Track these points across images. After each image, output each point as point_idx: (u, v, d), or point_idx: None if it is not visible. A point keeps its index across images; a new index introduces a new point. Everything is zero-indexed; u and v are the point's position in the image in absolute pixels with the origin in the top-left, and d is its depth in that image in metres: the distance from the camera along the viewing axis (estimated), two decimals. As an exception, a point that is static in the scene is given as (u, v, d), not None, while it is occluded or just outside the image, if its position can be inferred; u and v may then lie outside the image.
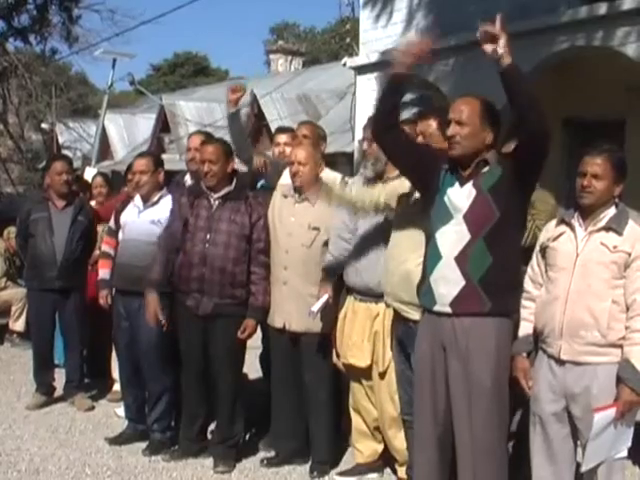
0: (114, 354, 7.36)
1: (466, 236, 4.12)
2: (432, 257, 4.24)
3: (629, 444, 4.07)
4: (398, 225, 4.88)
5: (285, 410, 5.71)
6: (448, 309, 4.17)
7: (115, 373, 7.38)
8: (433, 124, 4.72)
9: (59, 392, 7.37)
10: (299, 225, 5.52)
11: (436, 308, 4.22)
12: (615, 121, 11.70)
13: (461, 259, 4.13)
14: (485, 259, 4.11)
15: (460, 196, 4.19)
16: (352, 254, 5.25)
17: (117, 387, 7.36)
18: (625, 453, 4.08)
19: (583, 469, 4.11)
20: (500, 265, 4.11)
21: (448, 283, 4.15)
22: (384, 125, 4.45)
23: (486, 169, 4.19)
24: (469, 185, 4.19)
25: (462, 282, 4.12)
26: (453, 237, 4.15)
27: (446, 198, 4.23)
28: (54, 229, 7.07)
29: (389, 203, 4.94)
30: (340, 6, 18.84)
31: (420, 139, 4.74)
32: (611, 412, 3.97)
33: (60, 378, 7.37)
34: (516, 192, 4.15)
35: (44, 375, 7.32)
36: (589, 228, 4.11)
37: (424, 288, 4.29)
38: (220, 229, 5.56)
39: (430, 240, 4.28)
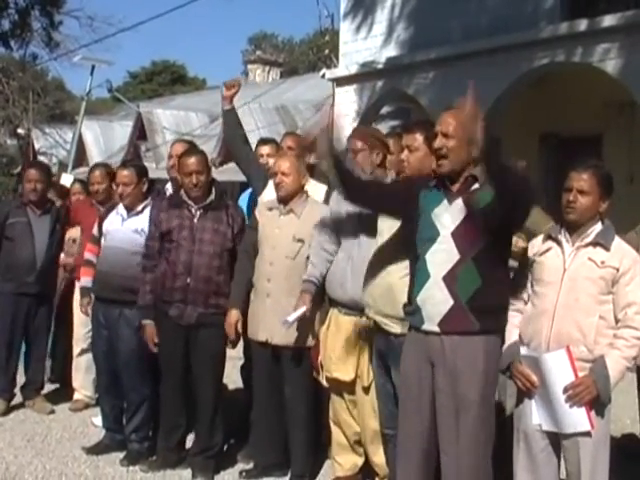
0: (74, 362, 7.33)
1: (455, 256, 4.08)
2: (420, 276, 4.20)
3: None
4: (380, 237, 4.86)
5: (265, 423, 5.68)
6: (436, 328, 4.13)
7: (76, 382, 7.35)
8: (419, 138, 4.71)
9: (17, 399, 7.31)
10: (284, 237, 5.47)
11: (424, 327, 4.18)
12: (592, 137, 11.82)
13: (449, 279, 4.09)
14: (474, 280, 4.07)
15: (448, 213, 4.15)
16: (336, 267, 5.21)
17: (77, 396, 7.34)
18: (588, 427, 4.00)
19: (534, 422, 4.13)
20: (489, 287, 4.08)
21: (436, 303, 4.11)
22: (352, 193, 4.58)
23: (476, 186, 4.14)
24: (459, 202, 4.14)
25: (450, 302, 4.08)
26: (441, 256, 4.11)
27: (433, 216, 4.18)
28: (35, 234, 7.03)
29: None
30: (320, 17, 18.90)
31: (405, 153, 4.74)
32: (570, 372, 3.96)
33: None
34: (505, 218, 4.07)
35: (10, 381, 7.21)
36: (576, 243, 4.12)
37: (412, 308, 4.24)
38: (204, 239, 5.56)
39: (418, 260, 4.23)
